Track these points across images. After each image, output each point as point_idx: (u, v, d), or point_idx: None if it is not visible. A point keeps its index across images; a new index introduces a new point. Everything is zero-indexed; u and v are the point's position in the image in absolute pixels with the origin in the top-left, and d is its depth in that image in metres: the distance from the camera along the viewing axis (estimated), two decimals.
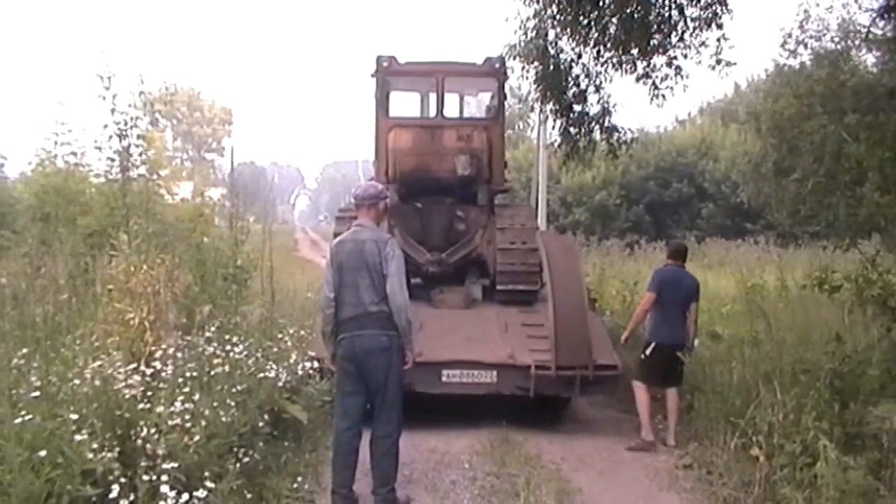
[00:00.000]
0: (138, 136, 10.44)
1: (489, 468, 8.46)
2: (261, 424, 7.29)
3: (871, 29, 15.56)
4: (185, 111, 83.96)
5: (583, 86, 15.01)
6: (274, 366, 8.33)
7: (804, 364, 8.33)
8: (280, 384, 8.29)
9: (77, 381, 5.99)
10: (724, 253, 28.13)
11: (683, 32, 13.54)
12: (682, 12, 13.42)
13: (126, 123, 10.11)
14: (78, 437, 5.19)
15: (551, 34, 14.24)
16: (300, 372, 8.86)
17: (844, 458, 6.40)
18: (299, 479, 7.49)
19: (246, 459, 6.68)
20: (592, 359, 9.72)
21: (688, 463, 8.73)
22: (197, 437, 5.96)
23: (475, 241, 12.35)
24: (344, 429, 7.10)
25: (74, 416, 5.36)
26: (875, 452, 6.54)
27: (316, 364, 8.91)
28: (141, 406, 6.12)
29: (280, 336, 9.58)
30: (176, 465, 5.51)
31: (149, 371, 6.66)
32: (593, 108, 15.34)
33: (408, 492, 7.55)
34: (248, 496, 6.45)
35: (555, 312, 9.80)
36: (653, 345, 9.89)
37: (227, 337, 8.11)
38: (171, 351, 7.10)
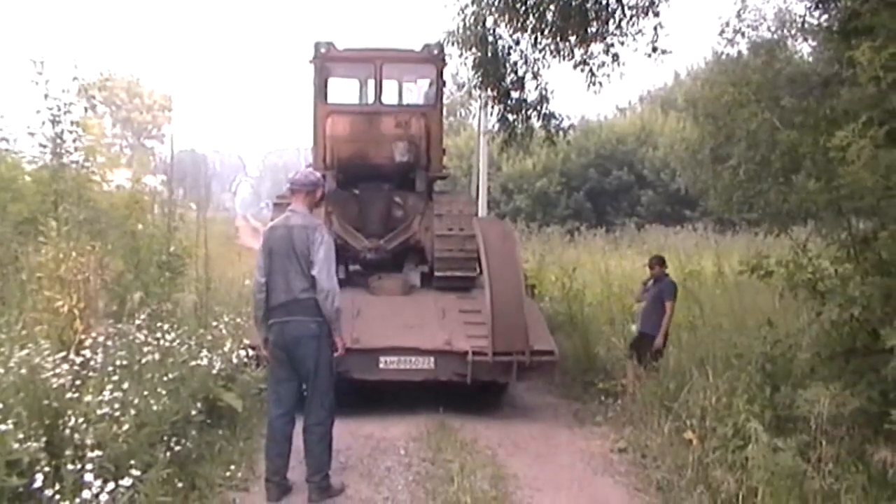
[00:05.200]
0: (72, 122, 10.30)
1: (425, 454, 8.46)
2: (194, 413, 7.22)
3: (807, 18, 15.74)
4: (124, 98, 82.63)
5: (521, 72, 14.99)
6: (208, 353, 8.24)
7: (737, 349, 8.46)
8: (214, 372, 8.20)
9: (2, 370, 5.88)
10: (663, 239, 28.26)
11: (621, 20, 13.62)
12: (619, 0, 13.49)
13: (59, 109, 9.97)
14: (3, 427, 5.10)
15: (489, 21, 14.20)
16: (235, 360, 8.78)
17: (774, 441, 6.49)
18: (233, 467, 7.41)
19: (178, 448, 6.63)
20: (529, 344, 9.73)
21: (622, 447, 8.82)
22: (126, 426, 5.90)
23: (413, 227, 12.33)
24: (277, 416, 7.07)
25: None
26: (804, 435, 6.61)
27: (251, 352, 8.85)
28: (69, 395, 6.03)
29: (215, 324, 9.49)
30: (103, 453, 5.45)
31: (78, 359, 6.59)
32: (531, 95, 15.33)
33: (342, 478, 7.51)
34: (180, 485, 6.40)
35: (492, 298, 9.81)
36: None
37: (158, 324, 8.02)
38: (100, 339, 7.02)
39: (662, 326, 10.78)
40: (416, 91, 14.62)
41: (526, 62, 14.90)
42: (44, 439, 5.42)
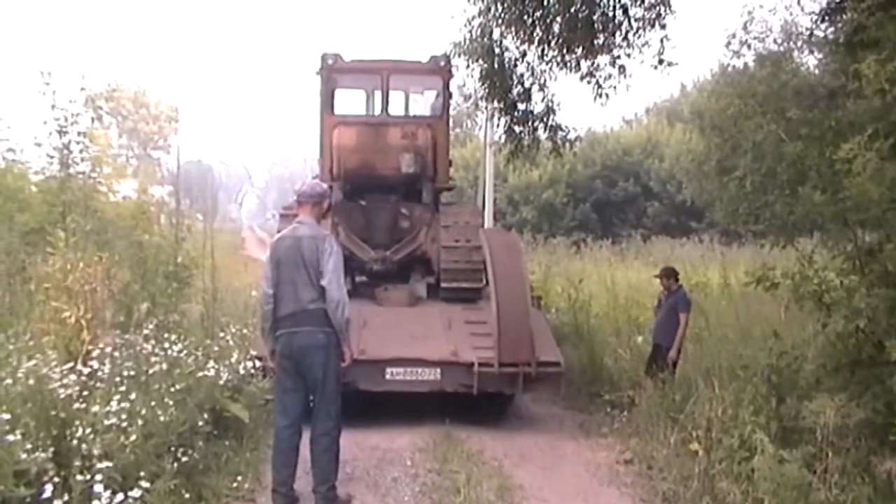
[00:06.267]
0: (79, 133, 10.35)
1: (431, 465, 8.45)
2: (200, 423, 7.25)
3: (814, 31, 15.76)
4: (130, 108, 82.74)
5: (527, 84, 15.05)
6: (214, 364, 8.26)
7: (742, 360, 8.45)
8: (221, 383, 8.22)
9: (10, 381, 5.90)
10: (669, 251, 28.26)
11: (627, 32, 13.66)
12: (626, 12, 13.54)
13: (66, 120, 10.02)
14: (11, 437, 5.11)
15: (496, 32, 14.27)
16: (242, 371, 8.80)
17: (780, 452, 6.48)
18: (239, 477, 7.43)
19: (185, 459, 6.63)
20: (535, 356, 9.73)
21: (628, 458, 8.80)
22: (133, 437, 5.92)
23: (419, 238, 12.34)
24: (283, 426, 7.07)
25: (7, 416, 5.27)
26: (809, 446, 6.60)
27: (258, 363, 8.86)
28: (76, 405, 6.05)
29: (221, 335, 9.51)
30: (111, 464, 5.47)
31: (85, 370, 6.61)
32: (537, 107, 15.39)
33: (349, 489, 7.50)
34: (187, 496, 6.40)
35: (498, 309, 9.80)
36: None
37: (165, 335, 8.04)
38: (108, 349, 7.05)
39: (677, 339, 10.73)
40: (423, 102, 14.65)
41: (532, 74, 14.98)
42: (51, 450, 5.45)
